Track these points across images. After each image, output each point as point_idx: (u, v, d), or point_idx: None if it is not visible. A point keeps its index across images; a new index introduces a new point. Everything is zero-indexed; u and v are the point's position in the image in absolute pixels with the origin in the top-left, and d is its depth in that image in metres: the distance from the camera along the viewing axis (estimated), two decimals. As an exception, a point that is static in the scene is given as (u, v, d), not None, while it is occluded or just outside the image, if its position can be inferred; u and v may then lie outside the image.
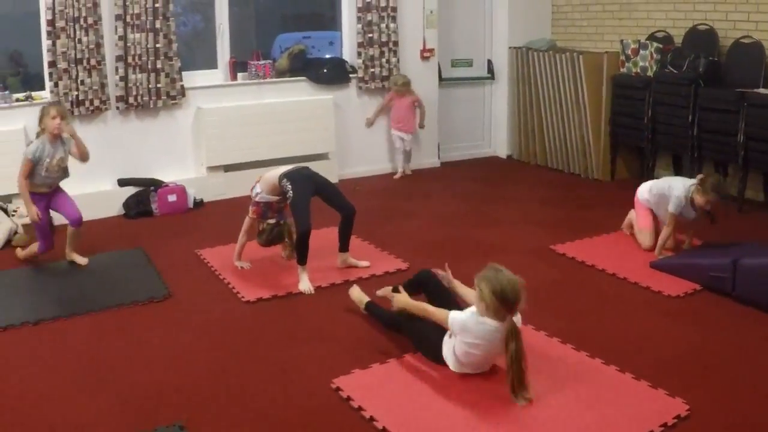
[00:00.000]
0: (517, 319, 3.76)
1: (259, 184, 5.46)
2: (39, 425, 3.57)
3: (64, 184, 5.76)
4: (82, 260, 5.83)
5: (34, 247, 5.76)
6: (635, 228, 6.03)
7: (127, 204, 7.19)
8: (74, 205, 5.74)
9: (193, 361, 4.21)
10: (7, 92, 6.81)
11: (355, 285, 4.89)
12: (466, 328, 3.76)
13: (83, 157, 5.67)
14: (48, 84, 6.95)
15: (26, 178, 5.46)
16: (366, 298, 4.68)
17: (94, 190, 7.09)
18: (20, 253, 5.90)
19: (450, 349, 3.93)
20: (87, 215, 6.78)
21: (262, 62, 7.93)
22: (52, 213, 5.84)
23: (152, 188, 7.24)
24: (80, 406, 3.74)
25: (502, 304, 3.65)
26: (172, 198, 7.22)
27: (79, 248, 5.87)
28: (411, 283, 4.51)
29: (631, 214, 6.14)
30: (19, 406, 3.75)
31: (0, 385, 3.96)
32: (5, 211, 6.45)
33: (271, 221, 5.48)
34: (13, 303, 5.14)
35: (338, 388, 3.83)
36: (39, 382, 4.00)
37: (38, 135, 5.55)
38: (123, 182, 7.31)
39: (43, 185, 5.57)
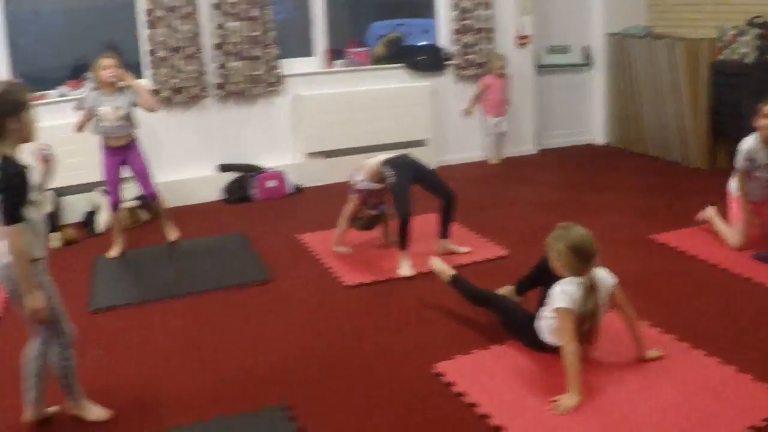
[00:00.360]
0: (607, 276, 3.78)
1: (360, 172, 5.49)
2: (145, 400, 3.73)
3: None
4: (173, 234, 6.03)
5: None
6: (721, 227, 5.73)
7: (228, 189, 7.35)
8: (148, 178, 5.86)
9: (295, 344, 4.29)
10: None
11: (434, 256, 4.84)
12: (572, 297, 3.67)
13: (148, 107, 5.76)
14: (147, 72, 7.13)
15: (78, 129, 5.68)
16: (451, 270, 4.60)
17: (195, 175, 7.31)
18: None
19: (549, 328, 3.83)
20: (189, 199, 7.09)
21: (359, 50, 7.98)
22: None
23: (251, 174, 7.37)
24: (183, 383, 3.87)
25: (579, 258, 3.65)
26: (271, 183, 7.34)
27: (170, 222, 6.10)
28: (534, 271, 4.34)
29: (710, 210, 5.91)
30: (124, 382, 3.90)
31: (107, 363, 4.12)
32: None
33: (373, 211, 5.53)
34: (117, 285, 5.34)
35: (439, 373, 3.86)
36: (144, 360, 4.15)
37: (94, 89, 5.68)
38: (224, 168, 7.47)
39: (111, 137, 5.68)
